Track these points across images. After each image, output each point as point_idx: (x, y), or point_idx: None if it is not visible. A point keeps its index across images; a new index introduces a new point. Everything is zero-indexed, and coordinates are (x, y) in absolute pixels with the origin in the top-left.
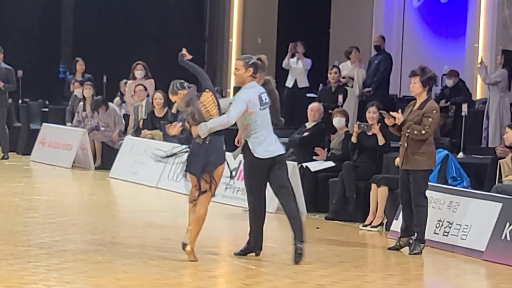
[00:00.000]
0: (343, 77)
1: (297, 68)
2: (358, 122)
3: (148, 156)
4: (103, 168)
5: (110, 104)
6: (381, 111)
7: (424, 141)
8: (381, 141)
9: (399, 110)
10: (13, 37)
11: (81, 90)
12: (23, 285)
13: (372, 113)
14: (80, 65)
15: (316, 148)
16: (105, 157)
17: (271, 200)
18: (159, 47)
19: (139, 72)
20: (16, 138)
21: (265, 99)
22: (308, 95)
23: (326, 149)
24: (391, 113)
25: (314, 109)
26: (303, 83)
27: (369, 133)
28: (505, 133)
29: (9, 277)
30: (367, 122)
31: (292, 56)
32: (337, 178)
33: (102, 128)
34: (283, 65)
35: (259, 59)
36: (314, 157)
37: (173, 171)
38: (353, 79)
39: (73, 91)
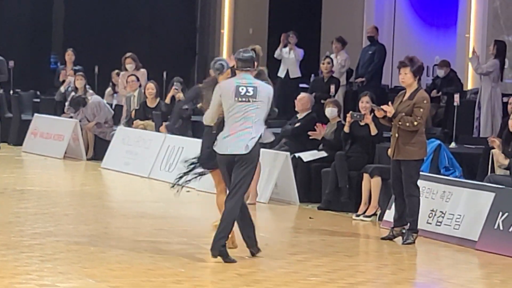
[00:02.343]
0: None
1: (289, 58)
2: (351, 112)
3: (141, 147)
4: (95, 159)
5: (90, 97)
6: (371, 105)
7: (416, 131)
8: (373, 131)
9: (389, 102)
10: (4, 28)
11: (74, 79)
12: (16, 275)
13: (365, 103)
14: (68, 55)
15: (316, 125)
16: (97, 147)
17: (264, 190)
18: (150, 37)
19: (129, 66)
20: (8, 128)
21: None
22: (301, 85)
23: (323, 125)
24: (382, 106)
25: (303, 100)
26: (295, 73)
27: (362, 123)
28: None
29: (2, 267)
30: (359, 112)
31: (285, 46)
32: (329, 168)
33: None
34: (275, 55)
35: (253, 49)
36: (312, 133)
37: (165, 162)
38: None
39: (62, 81)
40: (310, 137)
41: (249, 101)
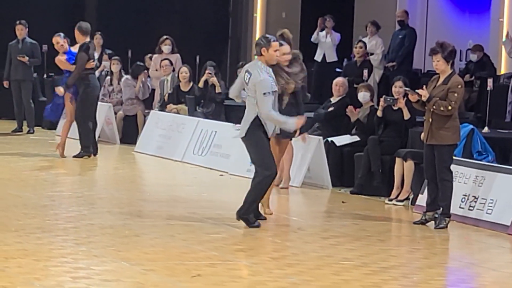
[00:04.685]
0: (367, 53)
1: (326, 42)
2: (384, 96)
3: (174, 131)
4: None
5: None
6: (405, 89)
7: (449, 116)
8: (406, 115)
9: (424, 86)
10: (38, 12)
11: (109, 63)
12: (51, 258)
13: (398, 87)
14: (96, 39)
15: (349, 108)
16: (130, 131)
17: (296, 174)
18: (183, 22)
19: (166, 47)
20: (41, 112)
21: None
22: (337, 70)
23: (356, 109)
24: (416, 90)
25: (339, 84)
26: (332, 57)
27: (395, 108)
28: None
29: (37, 250)
30: (393, 96)
31: (321, 30)
32: (362, 153)
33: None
34: (312, 39)
35: (282, 34)
36: (349, 110)
37: (198, 146)
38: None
39: None
40: (346, 113)
41: (244, 89)
